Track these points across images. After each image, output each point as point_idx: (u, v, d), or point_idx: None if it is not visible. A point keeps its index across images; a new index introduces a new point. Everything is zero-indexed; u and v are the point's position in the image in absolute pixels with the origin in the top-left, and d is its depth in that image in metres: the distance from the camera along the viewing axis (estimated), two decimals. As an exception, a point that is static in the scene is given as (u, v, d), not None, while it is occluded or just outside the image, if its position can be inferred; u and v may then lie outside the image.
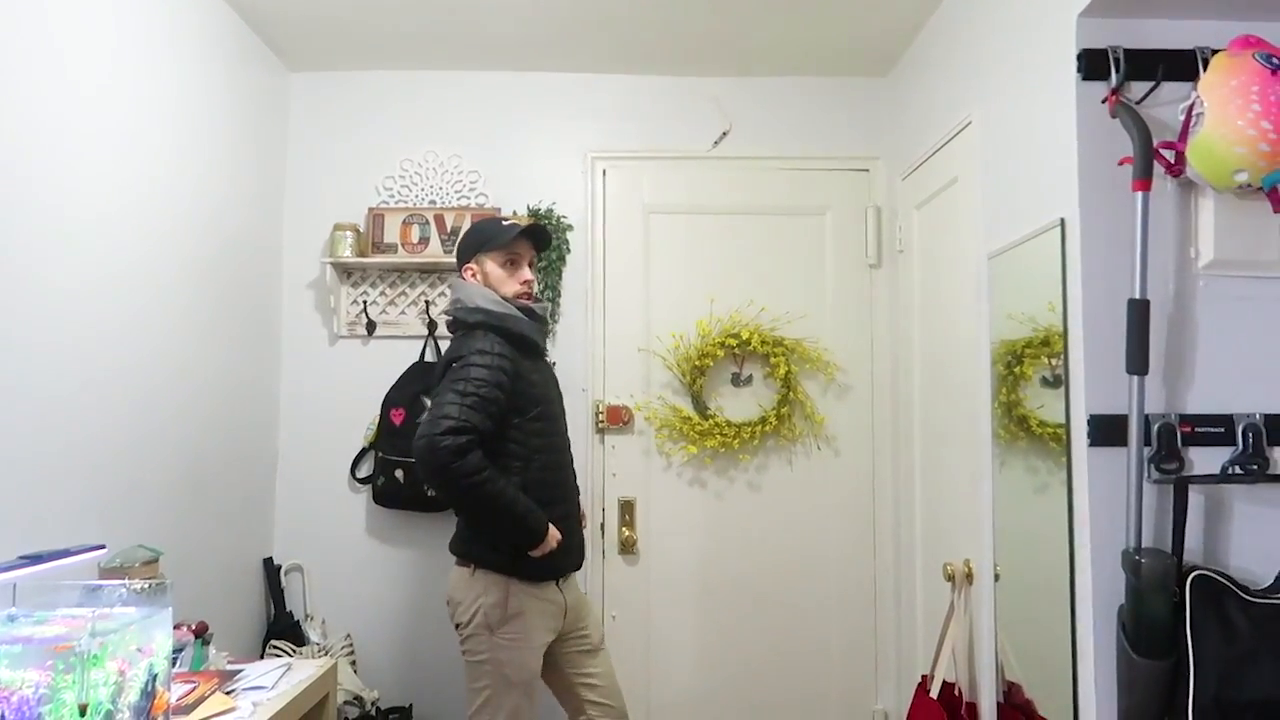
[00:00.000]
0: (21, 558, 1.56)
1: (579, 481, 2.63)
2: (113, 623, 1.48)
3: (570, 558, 2.43)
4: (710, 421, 3.19)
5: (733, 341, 3.18)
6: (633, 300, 3.27)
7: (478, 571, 2.32)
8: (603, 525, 3.19)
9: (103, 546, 1.79)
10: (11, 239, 1.85)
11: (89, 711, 1.36)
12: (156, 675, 1.53)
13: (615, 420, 3.22)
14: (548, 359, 2.56)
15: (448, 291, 3.26)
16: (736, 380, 3.25)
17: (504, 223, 2.53)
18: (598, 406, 3.22)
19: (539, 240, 2.54)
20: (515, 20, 2.94)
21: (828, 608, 3.23)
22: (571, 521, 2.45)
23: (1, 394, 1.82)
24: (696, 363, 3.19)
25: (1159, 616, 1.70)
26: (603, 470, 3.21)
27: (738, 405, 3.25)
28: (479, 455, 2.17)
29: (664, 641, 3.21)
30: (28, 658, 1.36)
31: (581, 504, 2.62)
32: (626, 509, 3.19)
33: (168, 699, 1.58)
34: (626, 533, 3.18)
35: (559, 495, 2.41)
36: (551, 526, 2.30)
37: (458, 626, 2.35)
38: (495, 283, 2.45)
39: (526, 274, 2.49)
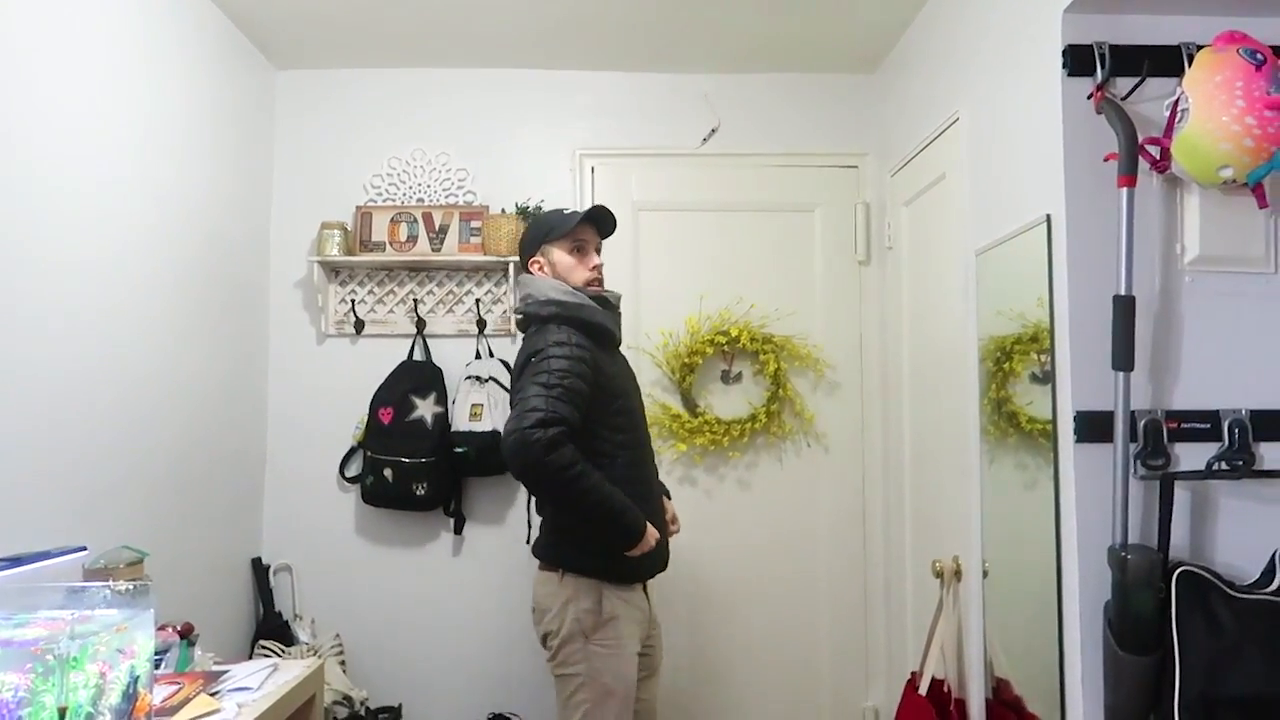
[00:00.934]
0: (1, 560, 1.54)
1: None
2: (93, 625, 1.46)
3: (658, 560, 2.28)
4: (700, 419, 3.18)
5: (722, 339, 3.17)
6: (621, 297, 3.25)
7: (566, 576, 2.18)
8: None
9: (84, 548, 1.78)
10: (1, 241, 1.84)
11: (68, 714, 1.35)
12: (138, 677, 1.52)
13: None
14: (622, 349, 2.44)
15: (435, 290, 3.25)
16: (726, 377, 3.25)
17: (565, 212, 2.45)
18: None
19: (603, 224, 2.40)
20: (503, 18, 2.93)
21: (817, 605, 3.23)
22: (658, 520, 2.27)
23: (-18, 395, 1.81)
24: (686, 360, 3.18)
25: (1145, 612, 1.70)
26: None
27: (727, 403, 3.24)
28: (572, 448, 2.04)
29: (654, 639, 3.20)
30: (7, 660, 1.34)
31: (670, 505, 2.48)
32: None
33: (150, 701, 1.56)
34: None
35: (644, 493, 2.24)
36: (650, 525, 2.16)
37: (545, 637, 2.21)
38: (564, 272, 2.32)
39: (595, 259, 2.36)
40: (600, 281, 2.38)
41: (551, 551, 2.24)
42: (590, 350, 2.19)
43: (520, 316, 2.35)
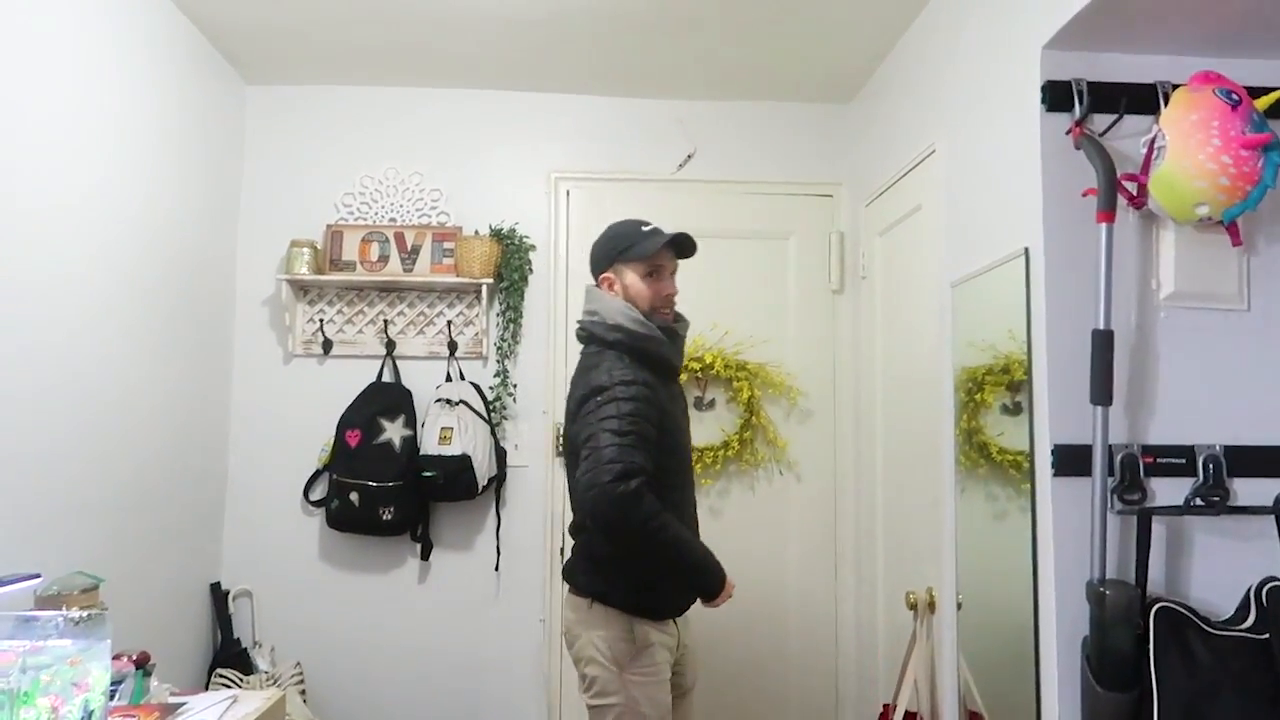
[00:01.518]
0: (-51, 588, 1.48)
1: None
2: (46, 657, 1.40)
3: (692, 595, 2.20)
4: (672, 445, 3.15)
5: (696, 365, 3.16)
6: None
7: (595, 605, 2.12)
8: (562, 550, 3.13)
9: (38, 575, 1.71)
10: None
11: (17, 752, 1.28)
12: (92, 712, 1.45)
13: (576, 443, 3.17)
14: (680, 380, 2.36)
15: (406, 311, 3.21)
16: (699, 404, 3.23)
17: (644, 228, 2.22)
18: (559, 430, 3.17)
19: (684, 250, 2.27)
20: (479, 39, 2.91)
21: (788, 633, 3.20)
22: None
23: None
24: None
25: (1123, 649, 1.69)
26: (563, 494, 3.16)
27: (699, 430, 3.20)
28: (653, 499, 1.96)
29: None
30: (-48, 695, 1.28)
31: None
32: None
33: (104, 737, 1.50)
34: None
35: (690, 528, 2.19)
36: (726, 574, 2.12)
37: (578, 662, 2.15)
38: (635, 296, 2.18)
39: (671, 287, 2.24)
40: (671, 311, 2.25)
41: (583, 580, 2.16)
42: (653, 388, 2.10)
43: (582, 331, 2.24)
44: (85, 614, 1.57)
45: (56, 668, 1.37)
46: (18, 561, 1.90)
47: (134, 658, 2.00)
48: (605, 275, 2.23)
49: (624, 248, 2.20)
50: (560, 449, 3.15)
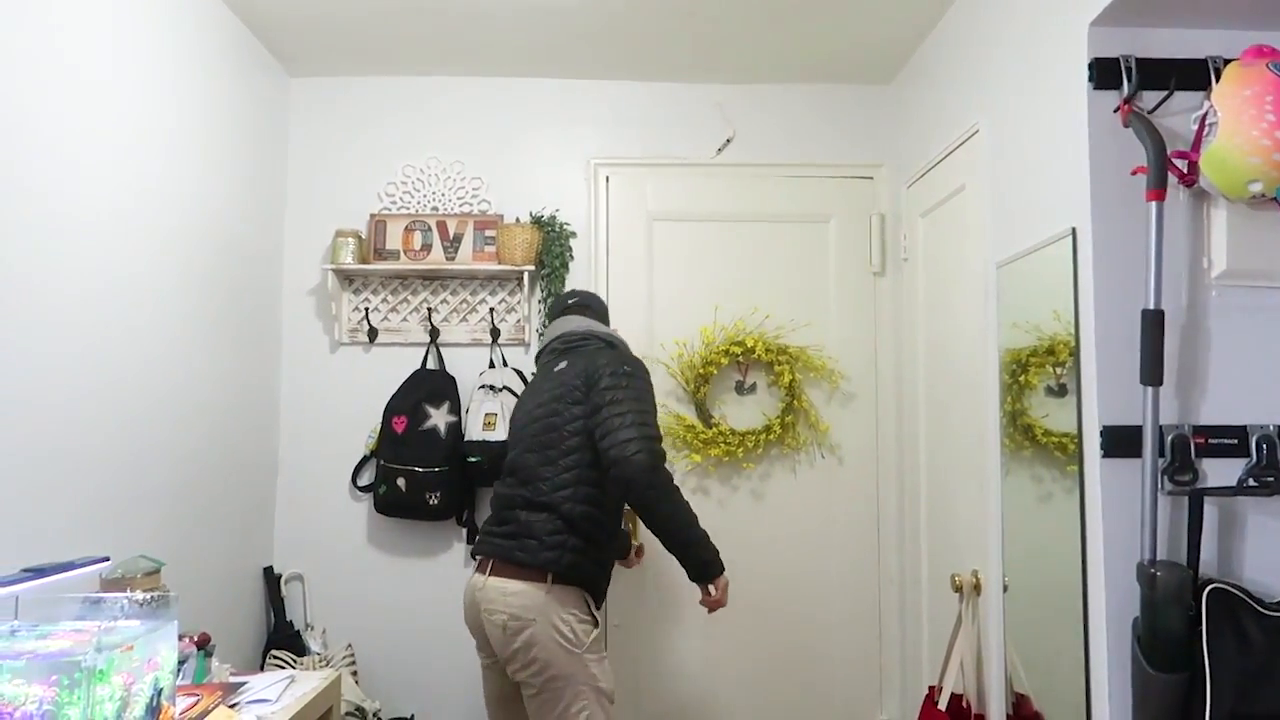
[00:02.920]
0: (24, 570, 1.53)
1: None
2: (117, 636, 1.45)
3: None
4: (714, 430, 3.17)
5: (737, 349, 3.16)
6: (636, 307, 3.25)
7: (555, 586, 2.18)
8: None
9: (107, 559, 1.77)
10: (10, 245, 1.83)
11: (94, 728, 1.33)
12: (161, 690, 1.51)
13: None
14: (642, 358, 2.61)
15: (449, 299, 3.25)
16: (740, 388, 3.24)
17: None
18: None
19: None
20: (518, 28, 2.93)
21: (831, 617, 3.21)
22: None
23: (1, 404, 1.79)
24: (700, 370, 3.17)
25: (1174, 630, 1.68)
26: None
27: (741, 413, 3.23)
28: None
29: (665, 652, 3.19)
30: (32, 673, 1.33)
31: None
32: (629, 518, 3.16)
33: (172, 714, 1.55)
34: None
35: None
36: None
37: (528, 647, 2.15)
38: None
39: None
40: None
41: (549, 555, 2.19)
42: None
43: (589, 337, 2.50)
44: (152, 596, 1.62)
45: (129, 647, 1.42)
46: (82, 546, 1.97)
47: (195, 639, 2.07)
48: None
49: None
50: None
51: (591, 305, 2.65)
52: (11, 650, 1.40)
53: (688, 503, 2.25)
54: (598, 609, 2.28)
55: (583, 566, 2.23)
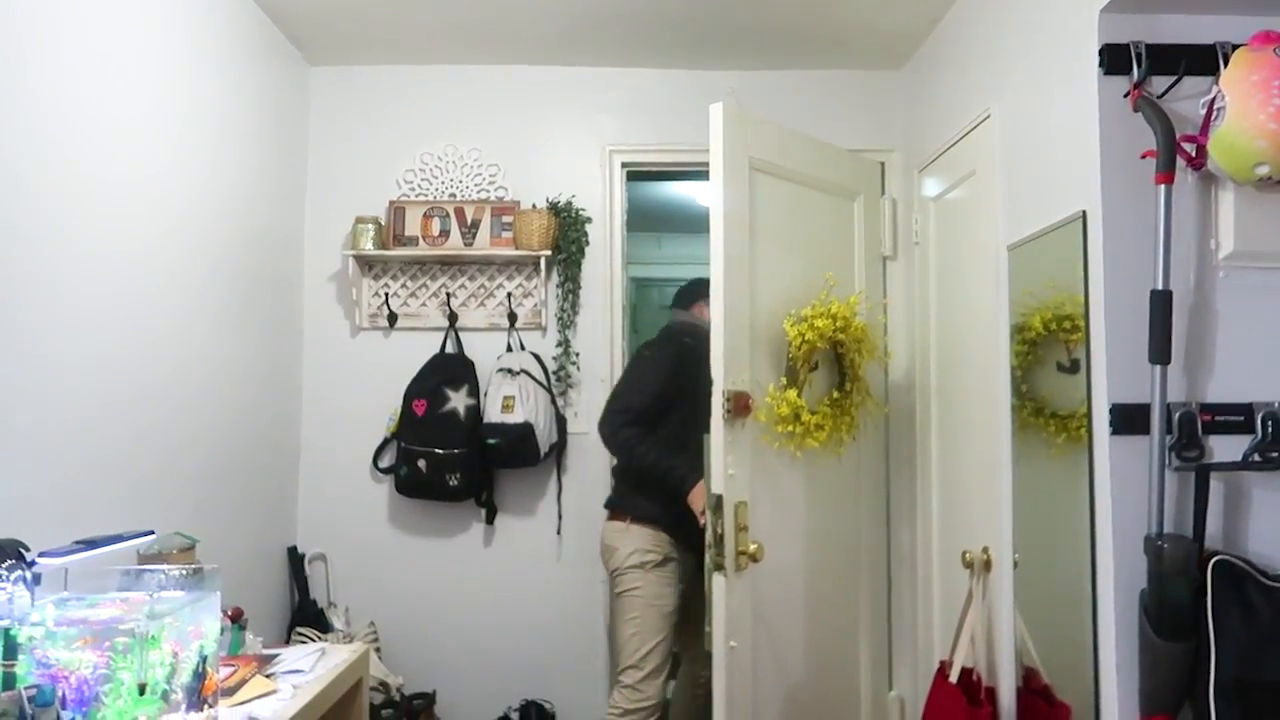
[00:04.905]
0: (76, 543, 1.60)
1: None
2: (166, 605, 1.52)
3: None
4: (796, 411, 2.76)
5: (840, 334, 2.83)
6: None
7: (633, 524, 2.84)
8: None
9: (152, 533, 1.84)
10: (52, 237, 1.89)
11: (146, 691, 1.40)
12: (206, 657, 1.57)
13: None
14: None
15: (467, 284, 3.30)
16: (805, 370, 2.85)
17: None
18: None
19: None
20: (534, 16, 2.97)
21: (848, 593, 3.24)
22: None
23: (41, 388, 1.86)
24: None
25: (1181, 600, 1.74)
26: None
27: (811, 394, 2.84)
28: (641, 436, 2.83)
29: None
30: (86, 638, 1.40)
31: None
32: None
33: (217, 680, 1.62)
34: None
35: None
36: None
37: (615, 571, 2.84)
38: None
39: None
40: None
41: (622, 501, 2.90)
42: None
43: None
44: (190, 569, 1.69)
45: (177, 616, 1.49)
46: (117, 525, 2.03)
47: (229, 613, 2.13)
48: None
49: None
50: None
51: (679, 299, 3.11)
52: (65, 618, 1.47)
53: (650, 452, 2.76)
54: (675, 547, 2.85)
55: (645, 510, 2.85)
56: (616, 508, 2.92)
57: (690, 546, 2.82)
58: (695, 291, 3.03)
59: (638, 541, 2.82)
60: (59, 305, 1.92)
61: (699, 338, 2.72)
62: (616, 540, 2.86)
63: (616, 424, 2.85)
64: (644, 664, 2.76)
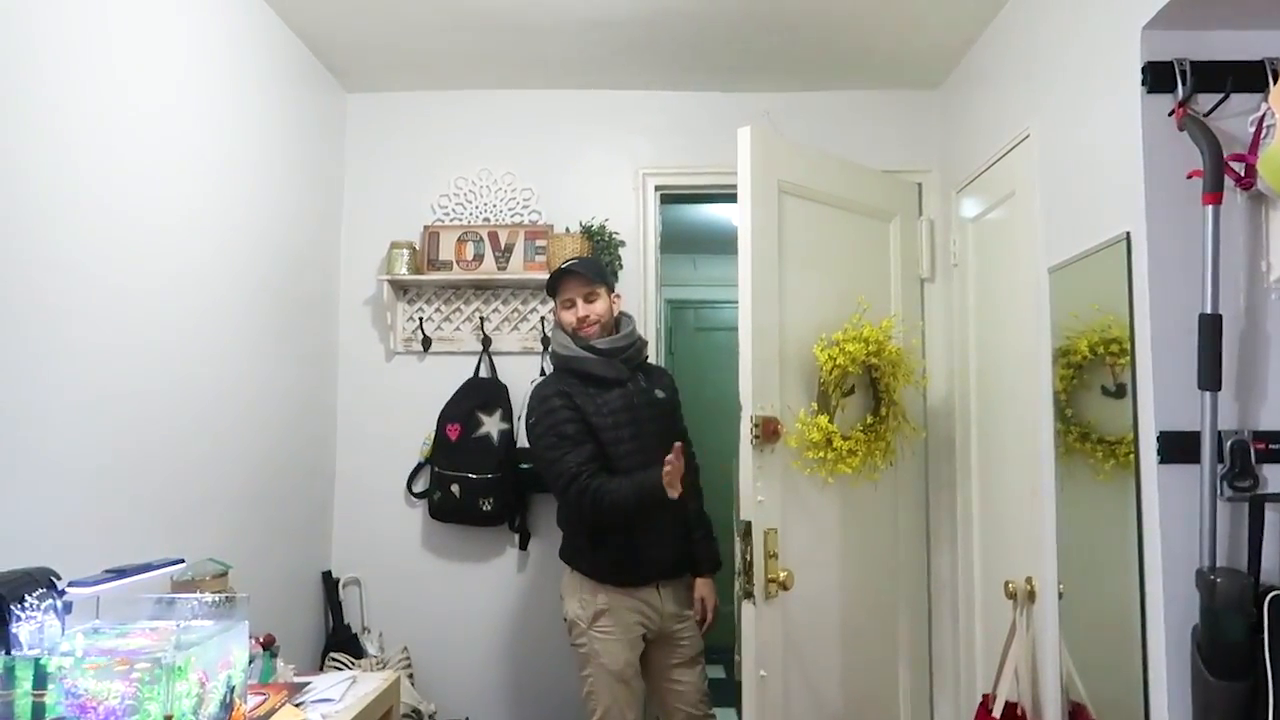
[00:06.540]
0: (106, 571, 1.60)
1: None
2: (194, 635, 1.52)
3: (640, 567, 2.58)
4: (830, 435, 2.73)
5: (873, 359, 2.80)
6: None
7: (573, 573, 2.65)
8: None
9: (181, 560, 1.84)
10: (85, 258, 1.91)
11: (173, 722, 1.39)
12: (234, 687, 1.56)
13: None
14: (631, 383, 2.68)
15: (501, 308, 3.31)
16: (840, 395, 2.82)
17: (561, 268, 2.73)
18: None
19: (573, 273, 2.68)
20: (567, 41, 2.98)
21: (886, 623, 3.18)
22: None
23: (76, 416, 1.87)
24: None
25: (1235, 637, 1.67)
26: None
27: (844, 419, 2.84)
28: (590, 481, 2.50)
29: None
30: (114, 669, 1.39)
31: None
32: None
33: (244, 711, 1.61)
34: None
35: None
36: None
37: (565, 618, 2.65)
38: (563, 325, 2.70)
39: (579, 311, 2.65)
40: (595, 328, 2.64)
41: (566, 553, 2.70)
42: (572, 395, 2.57)
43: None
44: (221, 597, 1.69)
45: (204, 645, 1.48)
46: (152, 551, 2.04)
47: (260, 640, 2.13)
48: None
49: (550, 292, 2.74)
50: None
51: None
52: (95, 648, 1.47)
53: (611, 495, 2.46)
54: (629, 594, 2.57)
55: (581, 560, 2.64)
56: (561, 555, 2.72)
57: (640, 598, 2.56)
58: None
59: (580, 591, 2.60)
60: (97, 335, 1.94)
61: (556, 355, 2.70)
62: (565, 590, 2.67)
63: (577, 485, 2.50)
64: None
